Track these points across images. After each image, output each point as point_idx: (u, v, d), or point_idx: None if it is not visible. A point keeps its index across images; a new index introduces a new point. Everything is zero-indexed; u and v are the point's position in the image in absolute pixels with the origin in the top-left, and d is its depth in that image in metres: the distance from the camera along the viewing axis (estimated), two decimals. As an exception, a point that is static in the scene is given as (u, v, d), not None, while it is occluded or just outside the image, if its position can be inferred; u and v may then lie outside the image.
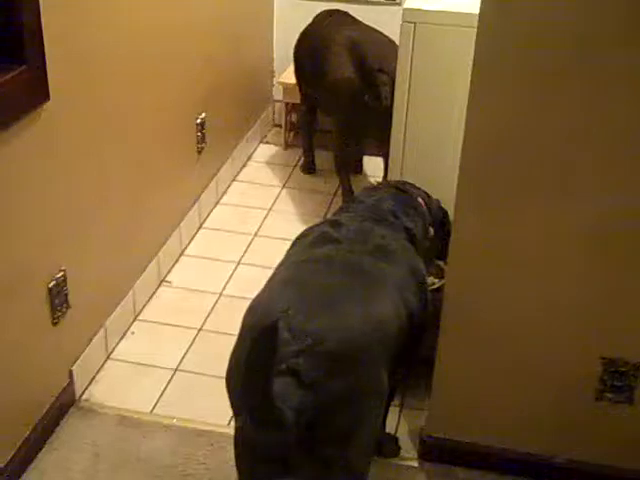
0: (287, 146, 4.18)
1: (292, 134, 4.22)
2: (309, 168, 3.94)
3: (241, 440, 1.77)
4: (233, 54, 3.70)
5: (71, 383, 2.49)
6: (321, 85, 3.38)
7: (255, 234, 3.44)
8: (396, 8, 3.87)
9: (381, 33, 3.34)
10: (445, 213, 2.49)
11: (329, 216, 2.89)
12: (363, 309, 1.82)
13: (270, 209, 3.64)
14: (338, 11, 3.66)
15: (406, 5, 2.52)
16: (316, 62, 3.39)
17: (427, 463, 2.32)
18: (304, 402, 1.61)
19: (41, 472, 2.26)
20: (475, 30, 1.81)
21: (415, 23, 2.48)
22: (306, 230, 2.18)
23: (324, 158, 3.88)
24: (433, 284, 2.52)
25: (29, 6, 2.01)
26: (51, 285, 2.29)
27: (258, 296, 1.91)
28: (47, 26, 2.07)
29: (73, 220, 2.38)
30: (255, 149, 4.15)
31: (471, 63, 1.85)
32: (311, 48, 3.50)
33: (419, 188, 2.46)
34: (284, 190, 3.80)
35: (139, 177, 2.82)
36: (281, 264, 2.07)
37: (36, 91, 2.10)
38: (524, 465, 2.25)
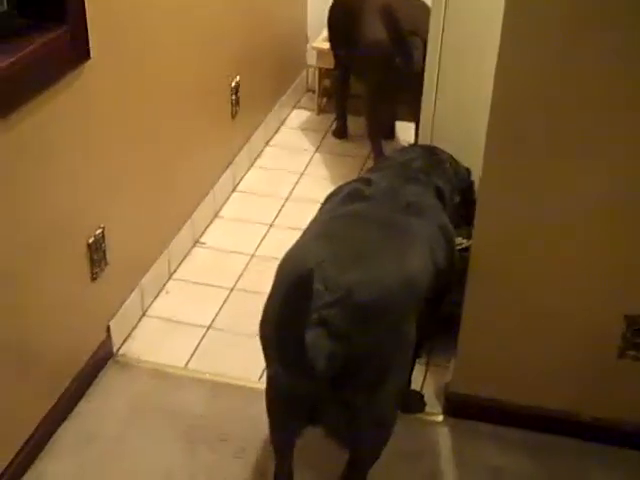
0: (320, 111, 4.22)
1: (325, 99, 4.26)
2: (341, 133, 3.98)
3: (273, 388, 1.84)
4: (267, 18, 3.73)
5: (108, 338, 2.57)
6: (354, 48, 3.41)
7: (287, 197, 3.50)
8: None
9: (414, -3, 3.35)
10: (471, 182, 2.52)
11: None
12: (394, 264, 1.87)
13: (302, 173, 3.69)
14: (371, -24, 3.68)
15: (439, -37, 2.54)
16: (350, 25, 3.42)
17: (451, 419, 2.38)
18: (334, 352, 1.67)
19: (80, 420, 2.35)
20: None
21: (447, -20, 2.50)
22: (338, 188, 2.24)
23: (356, 123, 3.91)
24: (461, 244, 2.56)
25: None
26: (90, 241, 2.37)
27: (291, 249, 1.97)
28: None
29: (112, 179, 2.45)
30: (288, 114, 4.20)
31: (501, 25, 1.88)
32: (345, 12, 3.53)
33: (448, 153, 2.49)
34: (316, 154, 3.85)
35: (175, 138, 2.88)
36: (314, 220, 2.13)
37: (77, 50, 2.16)
38: (548, 422, 2.30)
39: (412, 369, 2.33)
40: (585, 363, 2.21)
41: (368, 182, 2.18)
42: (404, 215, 2.07)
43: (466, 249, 2.45)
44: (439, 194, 2.26)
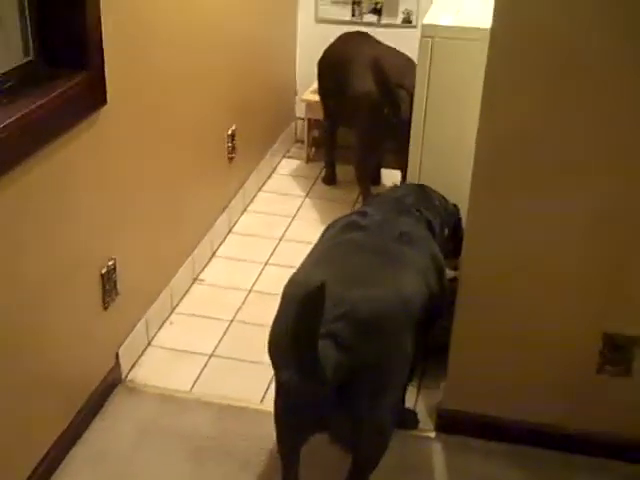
0: (309, 160, 4.44)
1: (313, 149, 4.48)
2: (331, 179, 4.19)
3: (284, 397, 1.99)
4: (260, 73, 3.97)
5: (117, 364, 2.72)
6: (344, 99, 3.64)
7: (281, 238, 3.68)
8: (412, 30, 4.16)
9: (400, 52, 3.60)
10: (459, 218, 2.72)
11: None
12: (391, 285, 2.06)
13: (294, 216, 3.88)
14: (360, 32, 3.95)
15: (425, 21, 2.77)
16: (340, 77, 3.65)
17: (443, 434, 2.53)
18: (341, 361, 1.84)
19: (92, 441, 2.48)
20: (487, 43, 2.06)
21: (432, 37, 2.72)
22: (335, 220, 2.43)
23: (344, 171, 4.12)
24: (449, 275, 2.75)
25: (92, 19, 2.27)
26: (103, 272, 2.53)
27: (295, 274, 2.15)
28: (106, 37, 2.33)
29: (122, 215, 2.62)
30: (279, 162, 4.41)
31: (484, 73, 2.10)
32: (335, 65, 3.77)
33: (437, 192, 2.70)
34: (307, 199, 4.05)
35: (178, 181, 3.07)
36: (314, 248, 2.31)
37: (96, 95, 2.36)
38: (534, 435, 2.47)
39: (406, 389, 2.49)
40: (567, 379, 2.39)
41: (364, 214, 2.38)
42: (398, 244, 2.26)
43: (454, 279, 2.65)
44: (429, 227, 2.45)
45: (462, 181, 2.38)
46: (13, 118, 2.01)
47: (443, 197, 2.66)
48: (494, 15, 2.05)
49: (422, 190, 2.59)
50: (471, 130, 2.26)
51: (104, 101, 2.40)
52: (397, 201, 2.46)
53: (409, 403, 2.61)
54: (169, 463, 2.42)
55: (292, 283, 2.10)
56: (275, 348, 2.02)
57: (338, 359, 1.83)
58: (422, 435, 2.55)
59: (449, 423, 2.53)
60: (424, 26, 2.74)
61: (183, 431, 2.54)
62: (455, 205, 2.69)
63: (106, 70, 2.37)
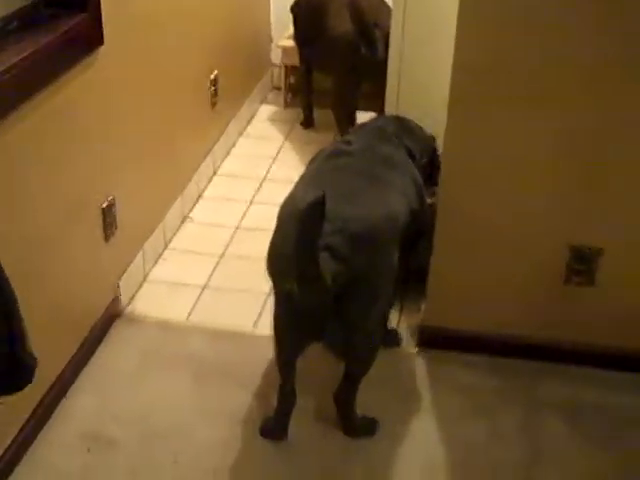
0: (286, 105, 4.58)
1: (290, 95, 4.62)
2: (308, 123, 4.35)
3: (286, 303, 2.17)
4: (238, 21, 4.09)
5: (118, 296, 2.88)
6: (321, 40, 3.78)
7: (263, 179, 3.85)
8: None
9: (375, -7, 3.74)
10: (436, 148, 2.89)
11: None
12: (378, 203, 2.24)
13: (275, 158, 4.04)
14: (332, -24, 4.06)
15: (400, -43, 2.92)
16: (316, 20, 3.79)
17: (425, 350, 2.73)
18: (338, 271, 2.02)
19: (100, 363, 2.66)
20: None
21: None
22: (321, 150, 2.59)
23: (321, 115, 4.27)
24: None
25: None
26: (104, 206, 2.69)
27: (288, 196, 2.32)
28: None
29: (120, 153, 2.77)
30: (258, 108, 4.56)
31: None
32: (311, 7, 3.90)
33: (415, 122, 2.86)
34: (286, 142, 4.21)
35: (167, 125, 3.21)
36: (304, 174, 2.48)
37: (93, 36, 2.48)
38: (507, 346, 2.68)
39: (390, 310, 2.69)
40: (537, 291, 2.60)
41: (348, 143, 2.55)
42: (381, 167, 2.44)
43: (431, 205, 2.83)
44: (409, 153, 2.62)
45: (439, 114, 2.55)
46: (18, 58, 2.12)
47: (420, 127, 2.83)
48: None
49: (401, 120, 2.76)
50: (446, 64, 2.42)
51: (101, 42, 2.52)
52: (379, 130, 2.62)
53: (392, 324, 2.81)
54: (171, 383, 2.60)
55: (288, 202, 2.28)
56: (275, 261, 2.19)
57: (335, 268, 2.02)
58: (405, 352, 2.75)
59: (430, 339, 2.73)
60: (398, -42, 2.89)
61: (183, 355, 2.72)
62: (432, 135, 2.86)
63: (102, 12, 2.50)
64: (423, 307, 2.78)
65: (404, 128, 2.70)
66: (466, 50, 2.33)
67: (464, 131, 2.45)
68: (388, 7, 3.44)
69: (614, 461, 2.34)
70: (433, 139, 2.85)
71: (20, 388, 1.57)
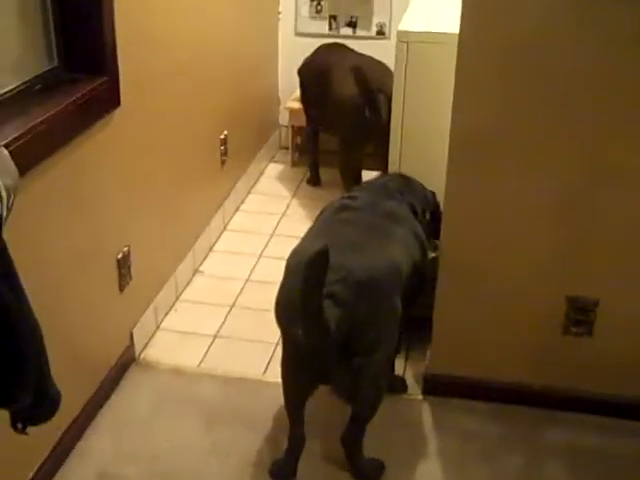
0: (294, 164, 4.74)
1: (297, 154, 4.78)
2: (315, 181, 4.50)
3: (293, 349, 2.27)
4: (247, 84, 4.27)
5: (132, 344, 2.99)
6: (327, 103, 3.94)
7: (272, 234, 3.97)
8: (385, 42, 4.50)
9: (377, 60, 3.92)
10: (437, 204, 3.02)
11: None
12: (380, 254, 2.36)
13: (283, 214, 4.18)
14: (337, 43, 4.27)
15: (400, 28, 3.08)
16: (322, 84, 3.96)
17: (429, 397, 2.82)
18: (340, 317, 2.13)
19: (115, 408, 2.75)
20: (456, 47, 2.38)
21: (408, 42, 3.03)
22: (329, 204, 2.72)
23: (327, 174, 4.42)
24: (430, 255, 3.05)
25: (108, 31, 2.55)
26: (119, 257, 2.81)
27: (296, 247, 2.44)
28: (120, 48, 2.62)
29: (135, 207, 2.90)
30: (266, 167, 4.71)
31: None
32: (317, 72, 4.07)
33: (415, 179, 3.00)
34: (294, 199, 4.35)
35: (179, 181, 3.35)
36: (311, 227, 2.60)
37: (111, 98, 2.64)
38: (508, 393, 2.76)
39: (394, 357, 2.79)
40: (536, 340, 2.69)
41: (353, 198, 2.68)
42: (385, 221, 2.56)
43: (434, 259, 2.95)
44: (412, 208, 2.75)
45: (439, 172, 2.68)
46: (42, 118, 2.25)
47: (422, 185, 2.96)
48: (461, 22, 2.36)
49: (404, 178, 2.90)
50: (445, 126, 2.56)
51: (118, 103, 2.67)
52: (383, 186, 2.76)
53: (398, 372, 2.90)
54: (184, 426, 2.69)
55: (295, 253, 2.40)
56: (283, 309, 2.30)
57: (339, 315, 2.13)
58: (411, 398, 2.84)
59: (434, 386, 2.82)
60: (399, 32, 3.05)
61: (194, 399, 2.81)
62: (432, 192, 2.99)
63: (120, 76, 2.65)
64: (428, 355, 2.87)
65: (407, 185, 2.83)
66: (463, 115, 2.47)
67: (462, 189, 2.58)
68: (391, 72, 3.60)
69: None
70: (434, 196, 2.98)
71: (46, 419, 1.67)
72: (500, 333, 2.72)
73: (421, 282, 2.65)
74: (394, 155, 3.37)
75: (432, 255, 3.04)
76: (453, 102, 2.47)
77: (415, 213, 2.76)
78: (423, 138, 3.25)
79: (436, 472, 2.52)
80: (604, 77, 2.34)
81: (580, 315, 2.61)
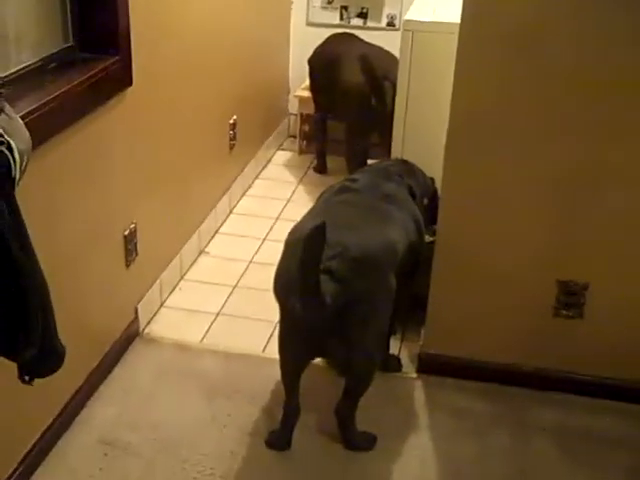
0: (301, 152, 4.83)
1: (305, 142, 4.86)
2: (321, 168, 4.58)
3: (290, 320, 2.36)
4: (258, 71, 4.37)
5: (136, 318, 3.08)
6: (335, 91, 4.03)
7: (277, 218, 4.06)
8: (396, 33, 4.56)
9: (384, 49, 4.01)
10: (436, 190, 3.11)
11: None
12: (376, 233, 2.45)
13: (289, 200, 4.27)
14: (347, 33, 4.35)
15: (406, 17, 3.17)
16: (331, 72, 4.05)
17: (423, 375, 2.90)
18: (337, 291, 2.22)
19: (118, 378, 2.85)
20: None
21: (413, 31, 3.12)
22: (329, 186, 2.81)
23: (334, 162, 4.51)
24: (428, 239, 3.14)
25: (122, 13, 2.65)
26: (126, 233, 2.90)
27: (296, 225, 2.53)
28: (133, 30, 2.71)
29: (143, 185, 3.00)
30: (274, 154, 4.81)
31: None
32: (326, 61, 4.17)
33: (416, 165, 3.08)
34: (300, 186, 4.44)
35: (188, 161, 3.45)
36: (312, 208, 2.69)
37: (124, 77, 2.73)
38: (500, 374, 2.84)
39: (390, 335, 2.88)
40: (527, 322, 2.78)
41: (354, 180, 2.77)
42: (384, 203, 2.65)
43: (431, 243, 3.03)
44: (411, 192, 2.84)
45: (440, 159, 2.74)
46: (55, 94, 2.34)
47: (422, 171, 3.05)
48: (462, 9, 2.45)
49: (405, 163, 2.98)
50: (447, 114, 2.64)
51: (130, 82, 2.77)
52: (383, 169, 2.85)
53: (393, 351, 2.99)
54: (185, 398, 2.78)
55: (294, 231, 2.49)
56: (281, 284, 2.39)
57: (335, 289, 2.21)
58: (405, 376, 2.92)
59: (428, 365, 2.90)
60: (405, 22, 3.14)
61: (196, 373, 2.91)
62: (432, 179, 3.07)
63: (133, 57, 2.74)
64: (422, 335, 2.95)
65: (407, 169, 2.92)
66: (462, 98, 2.55)
67: (459, 174, 2.66)
68: (397, 61, 3.69)
69: (598, 478, 2.49)
70: (433, 181, 3.07)
71: (53, 372, 1.76)
72: (493, 315, 2.80)
73: (416, 262, 2.73)
74: (397, 141, 3.46)
75: (429, 239, 3.14)
76: (453, 86, 2.55)
77: (414, 196, 2.85)
78: (426, 126, 3.34)
79: (427, 445, 2.60)
80: (601, 69, 2.41)
81: (570, 298, 2.69)
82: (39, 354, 1.66)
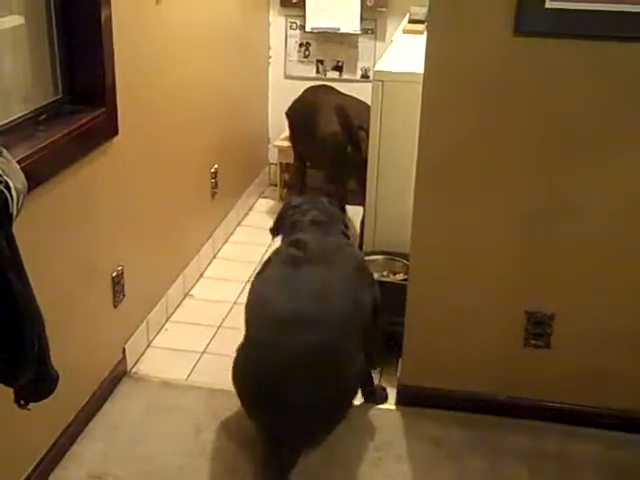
0: (282, 199, 4.98)
1: (285, 190, 5.03)
2: (301, 214, 4.73)
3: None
4: (238, 122, 4.55)
5: (124, 358, 3.19)
6: (313, 140, 4.21)
7: (259, 262, 4.17)
8: (369, 84, 4.75)
9: (359, 99, 4.20)
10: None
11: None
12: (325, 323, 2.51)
13: (270, 245, 4.38)
14: (324, 85, 4.55)
15: (376, 68, 3.36)
16: (309, 122, 4.23)
17: (401, 407, 3.02)
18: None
19: (107, 416, 2.95)
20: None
21: (383, 81, 3.31)
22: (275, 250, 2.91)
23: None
24: (403, 279, 3.28)
25: (108, 68, 2.81)
26: (114, 275, 3.03)
27: (256, 294, 2.72)
28: (119, 83, 2.87)
29: (129, 229, 3.14)
30: (255, 202, 4.97)
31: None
32: (305, 111, 4.36)
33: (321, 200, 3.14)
34: (281, 231, 4.58)
35: (172, 209, 3.59)
36: (263, 277, 2.80)
37: (110, 127, 2.89)
38: (475, 403, 2.97)
39: (371, 376, 3.00)
40: (499, 352, 2.91)
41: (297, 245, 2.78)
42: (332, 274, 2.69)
43: (405, 280, 3.17)
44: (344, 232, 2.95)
45: (412, 200, 2.91)
46: (45, 143, 2.49)
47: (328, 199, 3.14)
48: (425, 60, 2.62)
49: (315, 201, 3.04)
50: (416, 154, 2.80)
51: (116, 132, 2.92)
52: (314, 223, 2.88)
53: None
54: (173, 432, 2.88)
55: (258, 302, 2.67)
56: (248, 387, 2.62)
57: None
58: (384, 408, 3.04)
59: (406, 396, 3.02)
60: (375, 72, 3.33)
61: (182, 407, 3.01)
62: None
63: (118, 108, 2.90)
64: (399, 369, 3.07)
65: (324, 211, 2.96)
66: (428, 142, 2.71)
67: (428, 214, 2.80)
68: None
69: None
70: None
71: (46, 396, 1.88)
72: (466, 347, 2.93)
73: (377, 307, 2.81)
74: (371, 186, 3.62)
75: (390, 279, 3.28)
76: (419, 131, 2.72)
77: (346, 233, 2.97)
78: (398, 169, 3.50)
79: (406, 472, 2.71)
80: (567, 103, 2.58)
81: (538, 328, 2.83)
82: (35, 379, 1.77)
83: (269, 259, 2.88)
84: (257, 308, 2.65)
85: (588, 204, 2.69)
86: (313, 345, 2.41)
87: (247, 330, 2.66)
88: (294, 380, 2.40)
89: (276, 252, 2.88)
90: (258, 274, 2.85)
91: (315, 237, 2.83)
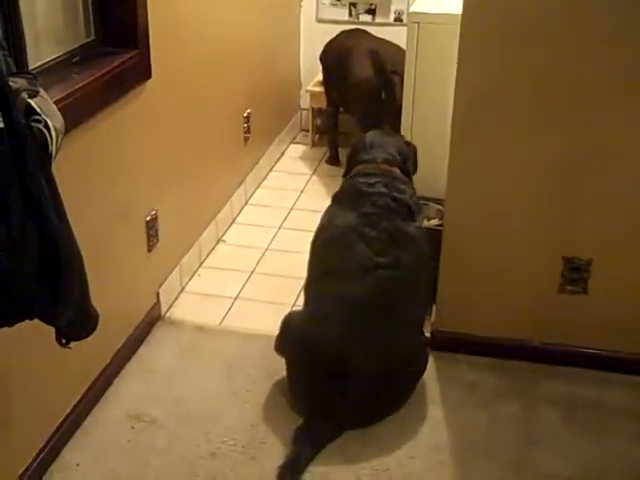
0: (313, 145, 4.96)
1: (317, 135, 4.99)
2: (333, 160, 4.70)
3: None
4: (270, 67, 4.50)
5: (158, 303, 3.21)
6: (346, 85, 4.16)
7: (292, 208, 4.19)
8: (403, 28, 4.67)
9: (393, 43, 4.13)
10: (414, 148, 3.10)
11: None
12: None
13: (302, 190, 4.40)
14: (357, 29, 4.47)
15: (411, 9, 3.29)
16: (342, 67, 4.18)
17: (435, 352, 3.01)
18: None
19: (142, 359, 2.98)
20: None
21: (418, 23, 3.24)
22: (340, 194, 2.87)
23: (345, 154, 4.62)
24: (438, 224, 3.25)
25: (141, 9, 2.78)
26: (148, 219, 3.03)
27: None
28: (151, 26, 2.84)
29: (162, 174, 3.13)
30: (287, 147, 4.94)
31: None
32: (338, 56, 4.30)
33: (391, 134, 3.14)
34: (313, 177, 4.57)
35: (205, 153, 3.58)
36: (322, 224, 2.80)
37: (143, 70, 2.87)
38: (508, 349, 2.96)
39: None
40: (534, 298, 2.89)
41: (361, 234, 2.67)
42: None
43: (440, 225, 3.15)
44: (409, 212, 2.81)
45: (447, 146, 2.86)
46: (79, 85, 2.47)
47: (401, 135, 3.13)
48: (463, 1, 2.56)
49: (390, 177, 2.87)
50: (451, 99, 2.76)
51: (149, 75, 2.90)
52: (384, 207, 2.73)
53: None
54: (206, 375, 2.91)
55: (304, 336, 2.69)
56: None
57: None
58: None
59: (440, 342, 3.01)
60: (411, 14, 3.27)
61: (216, 352, 3.04)
62: (406, 141, 3.13)
63: (151, 51, 2.87)
64: (433, 314, 3.07)
65: (394, 186, 2.81)
66: (464, 87, 2.67)
67: (464, 159, 2.78)
68: (405, 54, 3.81)
69: (603, 445, 2.61)
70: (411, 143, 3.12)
71: (87, 335, 1.89)
72: (501, 293, 2.92)
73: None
74: (405, 131, 3.58)
75: (425, 224, 3.24)
76: (456, 75, 2.67)
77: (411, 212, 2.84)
78: (433, 114, 3.46)
79: (438, 416, 2.72)
80: (602, 47, 2.52)
81: (575, 274, 2.80)
82: (75, 318, 1.78)
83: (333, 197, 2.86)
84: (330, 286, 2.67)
85: (623, 152, 2.64)
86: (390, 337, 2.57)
87: (317, 288, 2.73)
88: (372, 365, 2.52)
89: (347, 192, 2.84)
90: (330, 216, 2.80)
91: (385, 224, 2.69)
